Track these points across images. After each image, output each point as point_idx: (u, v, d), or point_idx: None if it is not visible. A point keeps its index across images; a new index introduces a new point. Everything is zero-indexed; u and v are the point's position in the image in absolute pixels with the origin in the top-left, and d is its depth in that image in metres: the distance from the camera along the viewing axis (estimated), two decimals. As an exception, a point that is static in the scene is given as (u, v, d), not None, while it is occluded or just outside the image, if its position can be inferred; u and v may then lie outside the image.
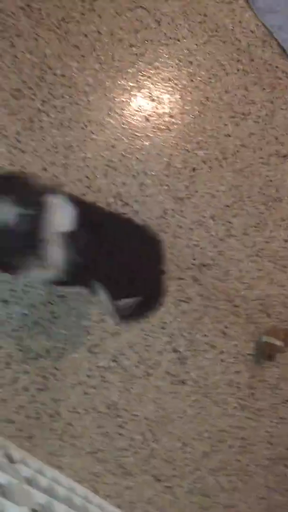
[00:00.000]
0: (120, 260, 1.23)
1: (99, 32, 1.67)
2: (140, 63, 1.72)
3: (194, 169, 1.76)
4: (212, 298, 1.76)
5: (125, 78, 1.71)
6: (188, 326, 1.73)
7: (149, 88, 1.74)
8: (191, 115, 1.78)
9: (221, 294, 1.78)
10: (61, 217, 1.08)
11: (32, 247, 1.04)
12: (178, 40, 1.77)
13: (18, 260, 1.06)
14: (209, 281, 1.77)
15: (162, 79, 1.76)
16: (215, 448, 1.74)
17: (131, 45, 1.71)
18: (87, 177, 1.63)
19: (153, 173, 1.71)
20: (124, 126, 1.69)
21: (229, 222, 1.80)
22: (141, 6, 1.72)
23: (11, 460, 1.36)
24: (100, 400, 1.60)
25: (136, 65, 1.72)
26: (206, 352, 1.75)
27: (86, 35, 1.65)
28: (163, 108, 1.75)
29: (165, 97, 1.76)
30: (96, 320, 1.61)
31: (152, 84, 1.74)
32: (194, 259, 1.75)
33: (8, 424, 1.51)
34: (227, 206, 1.79)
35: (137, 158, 1.69)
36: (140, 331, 1.66)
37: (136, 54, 1.72)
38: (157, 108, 1.74)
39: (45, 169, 1.59)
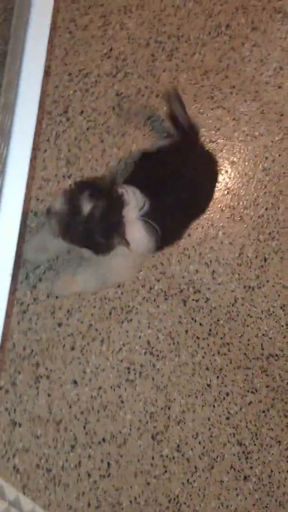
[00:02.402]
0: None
1: (181, 129, 1.77)
2: (219, 158, 1.80)
3: (265, 259, 1.79)
4: (280, 390, 1.73)
5: (203, 172, 1.79)
6: (254, 418, 1.69)
7: (225, 181, 1.81)
8: (264, 207, 1.82)
9: (288, 386, 1.74)
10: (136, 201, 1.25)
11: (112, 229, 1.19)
12: (255, 137, 1.85)
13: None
14: (277, 372, 1.74)
15: (238, 173, 1.83)
16: None
17: (211, 141, 1.80)
18: (161, 263, 1.67)
19: (226, 262, 1.75)
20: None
21: (299, 313, 1.79)
22: (221, 106, 1.83)
23: None
24: (162, 491, 1.56)
25: (214, 160, 1.81)
26: (271, 447, 1.69)
27: (169, 132, 1.76)
28: (238, 200, 1.81)
29: (241, 190, 1.82)
30: (162, 407, 1.60)
31: (228, 178, 1.81)
32: (262, 349, 1.74)
33: (68, 511, 1.49)
34: (298, 297, 1.79)
35: (211, 246, 1.74)
36: (205, 420, 1.64)
37: (215, 150, 1.80)
38: (232, 200, 1.80)
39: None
